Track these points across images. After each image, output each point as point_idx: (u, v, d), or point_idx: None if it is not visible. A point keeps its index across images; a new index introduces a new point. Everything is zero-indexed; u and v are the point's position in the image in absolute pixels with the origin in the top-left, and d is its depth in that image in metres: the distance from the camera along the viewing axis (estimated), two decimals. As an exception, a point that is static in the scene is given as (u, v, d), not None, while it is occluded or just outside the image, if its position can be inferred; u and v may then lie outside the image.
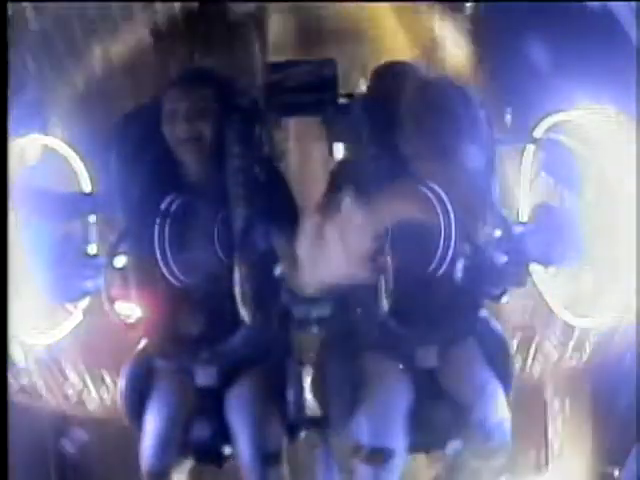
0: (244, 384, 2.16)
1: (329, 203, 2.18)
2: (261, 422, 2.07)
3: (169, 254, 2.13)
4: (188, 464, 2.19)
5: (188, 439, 2.14)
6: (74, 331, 2.70)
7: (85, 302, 2.47)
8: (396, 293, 2.02)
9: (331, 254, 2.08)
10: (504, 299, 2.20)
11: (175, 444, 2.10)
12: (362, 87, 2.27)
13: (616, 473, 3.23)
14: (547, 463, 3.63)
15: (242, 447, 2.07)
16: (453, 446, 2.20)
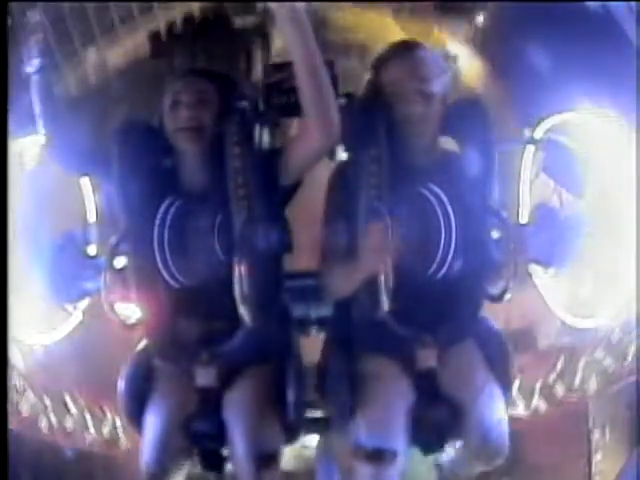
0: (243, 385, 2.16)
1: (330, 205, 2.19)
2: (256, 423, 2.06)
3: (169, 255, 2.13)
4: (188, 465, 2.19)
5: (188, 440, 2.13)
6: (73, 331, 2.70)
7: (85, 303, 2.47)
8: (396, 294, 2.01)
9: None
10: (504, 299, 2.19)
11: (175, 445, 2.10)
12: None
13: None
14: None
15: (236, 447, 2.06)
16: (452, 447, 2.21)
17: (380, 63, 2.19)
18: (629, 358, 3.64)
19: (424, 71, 2.12)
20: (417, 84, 2.10)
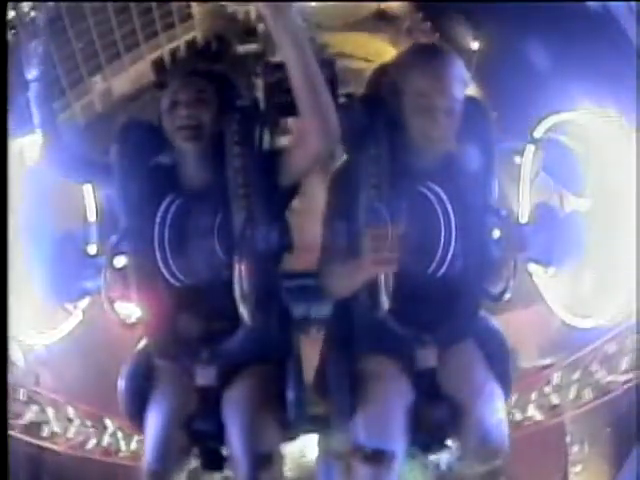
0: (242, 384, 2.16)
1: (331, 205, 2.19)
2: (254, 422, 2.06)
3: (169, 254, 2.13)
4: (189, 465, 2.19)
5: (189, 439, 2.13)
6: (74, 331, 2.70)
7: (85, 302, 2.47)
8: (396, 293, 2.01)
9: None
10: (504, 298, 2.19)
11: (176, 444, 2.10)
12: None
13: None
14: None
15: (234, 447, 2.06)
16: (451, 446, 2.20)
17: (406, 68, 2.09)
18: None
19: (453, 88, 2.04)
20: (446, 102, 2.03)
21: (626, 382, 4.12)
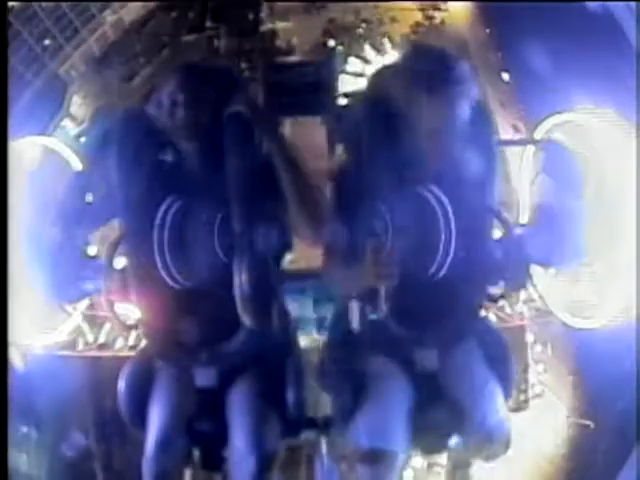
0: (243, 385, 2.16)
1: (331, 205, 2.19)
2: (258, 423, 2.07)
3: (168, 256, 2.12)
4: (190, 465, 2.19)
5: (189, 440, 2.14)
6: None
7: (84, 303, 2.47)
8: (396, 295, 2.01)
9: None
10: (504, 299, 2.19)
11: (176, 446, 2.10)
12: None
13: (592, 426, 3.50)
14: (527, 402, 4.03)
15: (237, 447, 2.07)
16: (453, 446, 2.21)
17: (414, 89, 2.04)
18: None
19: (464, 111, 2.04)
20: (452, 124, 2.03)
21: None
